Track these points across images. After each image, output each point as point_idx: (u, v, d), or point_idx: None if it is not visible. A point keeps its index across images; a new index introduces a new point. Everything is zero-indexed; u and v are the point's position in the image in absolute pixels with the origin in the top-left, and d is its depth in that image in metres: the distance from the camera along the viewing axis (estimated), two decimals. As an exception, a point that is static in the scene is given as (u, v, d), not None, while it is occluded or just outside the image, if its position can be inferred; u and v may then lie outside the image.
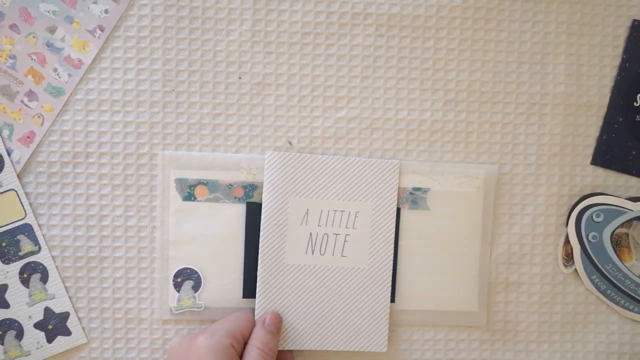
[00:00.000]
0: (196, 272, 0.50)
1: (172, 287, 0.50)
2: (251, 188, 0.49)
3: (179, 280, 0.50)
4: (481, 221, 0.51)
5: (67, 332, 0.50)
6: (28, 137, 0.49)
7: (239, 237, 0.50)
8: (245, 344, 0.46)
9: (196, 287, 0.50)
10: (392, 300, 0.50)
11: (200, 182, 0.49)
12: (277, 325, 0.48)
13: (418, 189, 0.50)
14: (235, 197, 0.49)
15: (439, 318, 0.51)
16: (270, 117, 0.50)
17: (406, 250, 0.50)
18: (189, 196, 0.49)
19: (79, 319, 0.50)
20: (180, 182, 0.49)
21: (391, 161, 0.50)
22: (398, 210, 0.50)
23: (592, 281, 0.51)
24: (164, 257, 0.50)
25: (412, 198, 0.50)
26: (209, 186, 0.49)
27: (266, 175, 0.49)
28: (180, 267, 0.50)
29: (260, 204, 0.49)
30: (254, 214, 0.49)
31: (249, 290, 0.50)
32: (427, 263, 0.50)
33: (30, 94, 0.49)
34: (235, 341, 0.45)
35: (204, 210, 0.49)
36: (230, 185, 0.49)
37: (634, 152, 0.51)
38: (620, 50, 0.51)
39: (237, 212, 0.49)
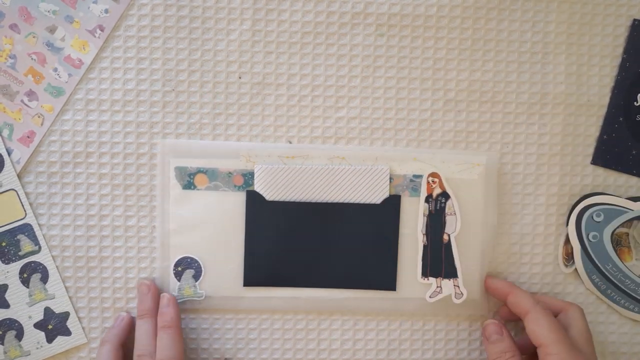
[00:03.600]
0: (197, 261, 0.50)
1: (172, 276, 0.49)
2: (251, 176, 0.49)
3: (179, 269, 0.50)
4: (483, 208, 0.50)
5: (67, 332, 0.50)
6: (28, 137, 0.49)
7: (239, 225, 0.50)
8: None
9: (197, 276, 0.50)
10: (394, 288, 0.50)
11: (199, 171, 0.49)
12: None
13: (418, 176, 0.50)
14: (235, 185, 0.49)
15: (441, 307, 0.51)
16: (270, 117, 0.50)
17: (407, 237, 0.50)
18: (189, 184, 0.49)
19: (79, 319, 0.50)
20: (179, 171, 0.49)
21: (380, 167, 0.50)
22: (398, 198, 0.50)
23: (592, 281, 0.51)
24: (165, 246, 0.50)
25: (413, 185, 0.50)
26: (209, 174, 0.49)
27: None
28: (181, 256, 0.50)
29: (259, 194, 0.49)
30: (253, 202, 0.49)
31: (250, 278, 0.50)
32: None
33: (30, 94, 0.49)
34: None
35: (203, 199, 0.49)
36: (230, 173, 0.49)
37: (634, 152, 0.51)
38: (620, 50, 0.51)
39: (237, 200, 0.49)
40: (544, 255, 0.52)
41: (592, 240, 0.51)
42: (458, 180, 0.50)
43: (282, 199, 0.49)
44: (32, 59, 0.48)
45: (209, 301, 0.50)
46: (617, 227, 0.51)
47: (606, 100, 0.51)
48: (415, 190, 0.50)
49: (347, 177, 0.50)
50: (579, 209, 0.51)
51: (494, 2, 0.50)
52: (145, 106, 0.49)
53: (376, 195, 0.50)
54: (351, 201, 0.50)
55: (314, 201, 0.49)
